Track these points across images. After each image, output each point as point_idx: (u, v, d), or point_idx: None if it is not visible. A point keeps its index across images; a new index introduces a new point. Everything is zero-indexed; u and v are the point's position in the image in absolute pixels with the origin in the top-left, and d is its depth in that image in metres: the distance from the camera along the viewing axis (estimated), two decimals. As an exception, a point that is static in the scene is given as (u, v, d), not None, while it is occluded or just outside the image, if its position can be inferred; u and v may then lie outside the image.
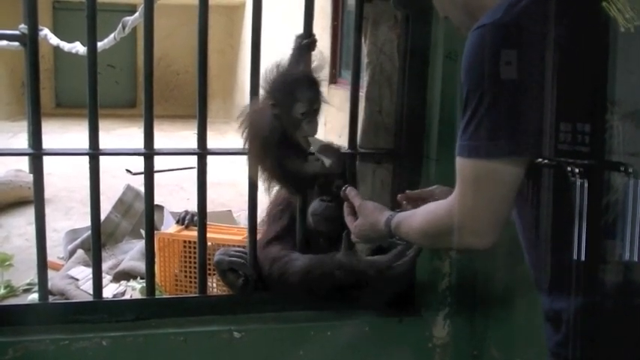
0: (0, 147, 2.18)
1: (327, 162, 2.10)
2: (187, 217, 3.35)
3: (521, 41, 1.23)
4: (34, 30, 2.07)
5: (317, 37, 2.25)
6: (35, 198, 2.09)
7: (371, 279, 2.12)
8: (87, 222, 4.29)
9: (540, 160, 1.30)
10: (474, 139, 1.26)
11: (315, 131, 2.14)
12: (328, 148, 2.14)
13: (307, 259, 2.20)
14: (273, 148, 2.12)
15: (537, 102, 1.24)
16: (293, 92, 2.08)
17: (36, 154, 2.07)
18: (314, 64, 2.20)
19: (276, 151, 2.12)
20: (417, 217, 1.50)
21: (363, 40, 2.28)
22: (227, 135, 10.41)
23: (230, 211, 4.32)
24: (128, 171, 6.70)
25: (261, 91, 2.14)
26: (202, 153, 2.17)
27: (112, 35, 4.73)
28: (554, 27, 1.24)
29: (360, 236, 1.75)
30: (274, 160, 2.14)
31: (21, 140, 8.24)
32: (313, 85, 2.13)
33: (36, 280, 3.40)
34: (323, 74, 2.19)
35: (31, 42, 2.08)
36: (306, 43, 2.20)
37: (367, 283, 2.15)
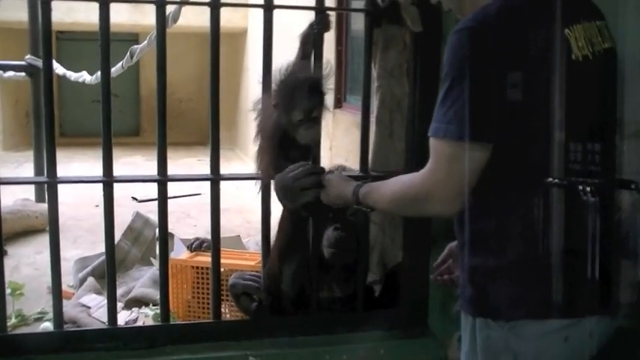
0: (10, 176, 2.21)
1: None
2: (197, 244, 3.37)
3: (485, 46, 1.39)
4: (48, 59, 2.12)
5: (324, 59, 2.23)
6: (50, 226, 2.11)
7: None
8: (95, 250, 4.30)
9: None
10: (448, 121, 1.40)
11: (313, 139, 2.13)
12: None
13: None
14: (274, 147, 2.13)
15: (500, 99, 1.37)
16: (293, 97, 2.08)
17: (51, 182, 2.09)
18: (323, 70, 2.18)
19: (275, 151, 2.13)
20: (388, 186, 1.66)
21: (372, 64, 2.30)
22: (232, 162, 10.45)
23: (239, 236, 4.33)
24: (134, 199, 6.71)
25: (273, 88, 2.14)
26: (215, 179, 2.18)
27: (119, 64, 4.76)
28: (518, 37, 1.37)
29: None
30: (271, 160, 2.14)
31: (27, 170, 8.27)
32: (315, 92, 2.11)
33: (47, 309, 3.41)
34: (329, 83, 2.19)
35: (45, 70, 2.12)
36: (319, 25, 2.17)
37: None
